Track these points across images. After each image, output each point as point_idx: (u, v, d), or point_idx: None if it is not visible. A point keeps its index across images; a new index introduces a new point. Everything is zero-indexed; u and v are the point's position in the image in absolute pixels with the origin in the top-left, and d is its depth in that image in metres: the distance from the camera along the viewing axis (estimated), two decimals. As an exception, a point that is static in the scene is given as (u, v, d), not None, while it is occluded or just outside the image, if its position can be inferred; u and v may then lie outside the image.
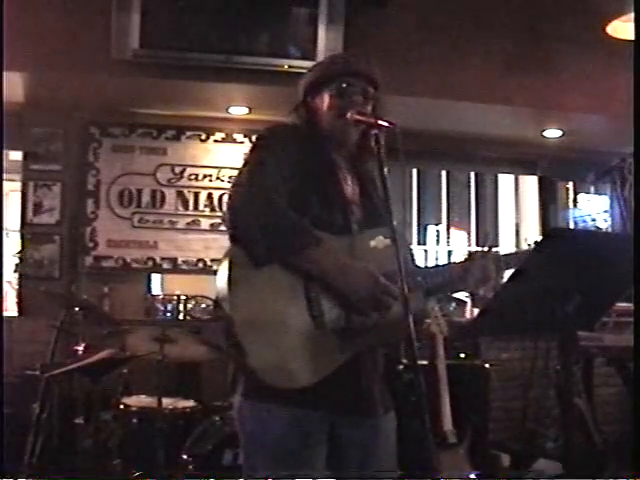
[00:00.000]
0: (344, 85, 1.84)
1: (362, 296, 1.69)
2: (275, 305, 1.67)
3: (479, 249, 1.97)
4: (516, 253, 2.04)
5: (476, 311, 5.01)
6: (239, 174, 1.77)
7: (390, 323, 1.73)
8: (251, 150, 1.83)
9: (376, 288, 1.69)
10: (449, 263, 2.03)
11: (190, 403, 3.50)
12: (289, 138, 1.84)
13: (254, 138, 1.90)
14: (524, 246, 5.30)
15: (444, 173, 6.18)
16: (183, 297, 4.55)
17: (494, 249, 1.93)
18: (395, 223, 1.67)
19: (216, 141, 4.78)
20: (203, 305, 4.48)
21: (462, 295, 5.10)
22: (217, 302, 1.71)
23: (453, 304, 4.91)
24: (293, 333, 1.66)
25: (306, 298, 1.69)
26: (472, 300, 5.00)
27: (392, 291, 1.70)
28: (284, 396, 1.66)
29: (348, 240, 1.78)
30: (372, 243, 1.79)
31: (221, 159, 4.72)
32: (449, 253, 5.98)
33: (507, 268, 1.95)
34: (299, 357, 1.66)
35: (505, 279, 1.86)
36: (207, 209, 4.71)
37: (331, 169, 1.86)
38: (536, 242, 1.90)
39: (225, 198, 1.80)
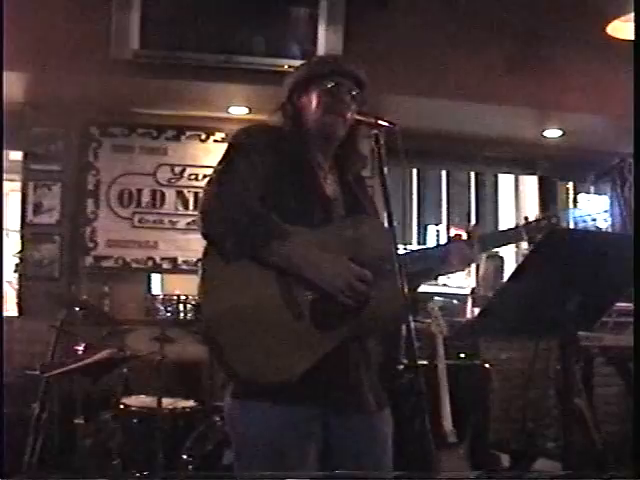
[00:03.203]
0: (332, 84, 1.85)
1: (336, 285, 1.70)
2: (250, 300, 1.68)
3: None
4: (502, 232, 2.04)
5: (477, 310, 5.01)
6: (210, 176, 1.79)
7: (373, 313, 1.74)
8: (224, 152, 1.84)
9: (350, 275, 1.70)
10: (430, 247, 2.03)
11: (190, 403, 3.50)
12: (263, 138, 1.85)
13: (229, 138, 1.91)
14: (524, 245, 5.29)
15: (444, 173, 6.19)
16: (183, 297, 4.56)
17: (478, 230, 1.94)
18: (396, 224, 1.68)
19: (216, 141, 4.78)
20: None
21: (463, 292, 5.11)
22: (198, 304, 1.73)
23: (454, 301, 4.91)
24: (270, 327, 1.67)
25: (281, 291, 1.70)
26: (472, 299, 5.00)
27: (367, 278, 1.71)
28: (273, 393, 1.66)
29: (327, 231, 1.79)
30: (353, 233, 1.79)
31: (221, 159, 4.72)
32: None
33: (495, 246, 1.97)
34: (279, 351, 1.67)
35: (506, 279, 1.86)
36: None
37: (310, 167, 1.86)
38: (537, 242, 1.90)
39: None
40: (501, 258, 5.16)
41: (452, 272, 1.95)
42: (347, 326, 1.73)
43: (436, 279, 2.01)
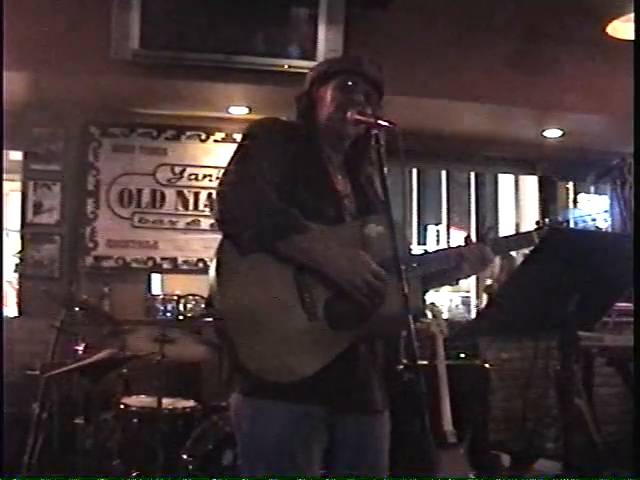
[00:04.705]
0: (349, 82, 1.85)
1: (353, 281, 1.69)
2: (265, 297, 1.66)
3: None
4: (515, 235, 2.03)
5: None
6: (227, 167, 1.77)
7: (385, 314, 1.73)
8: (239, 144, 1.83)
9: (367, 272, 1.69)
10: (445, 248, 2.00)
11: (190, 403, 3.50)
12: (278, 131, 1.85)
13: (243, 132, 1.90)
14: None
15: (444, 173, 6.19)
16: (183, 297, 4.56)
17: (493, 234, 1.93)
18: (396, 220, 1.68)
19: (216, 141, 4.78)
20: (203, 305, 4.49)
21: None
22: (209, 299, 1.71)
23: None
24: (285, 325, 1.66)
25: (297, 289, 1.68)
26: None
27: (383, 276, 1.70)
28: (283, 392, 1.65)
29: (341, 230, 1.79)
30: (366, 232, 1.78)
31: (221, 159, 4.71)
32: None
33: (507, 251, 1.96)
34: (292, 350, 1.65)
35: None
36: (207, 209, 4.72)
37: (322, 163, 1.86)
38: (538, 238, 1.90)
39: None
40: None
41: (471, 274, 1.92)
42: (360, 326, 1.73)
43: (457, 283, 1.99)
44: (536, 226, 1.96)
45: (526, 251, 1.87)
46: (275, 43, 4.00)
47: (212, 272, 1.68)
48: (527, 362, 4.69)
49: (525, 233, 1.98)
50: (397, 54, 4.05)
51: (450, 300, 5.62)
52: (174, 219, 4.73)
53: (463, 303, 5.70)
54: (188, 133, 4.78)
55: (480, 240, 1.92)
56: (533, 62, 4.25)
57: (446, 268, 1.86)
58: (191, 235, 4.72)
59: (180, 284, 4.68)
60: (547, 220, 1.97)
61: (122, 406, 3.40)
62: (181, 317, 4.43)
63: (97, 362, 3.32)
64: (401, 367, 3.70)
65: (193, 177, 4.76)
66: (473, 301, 5.65)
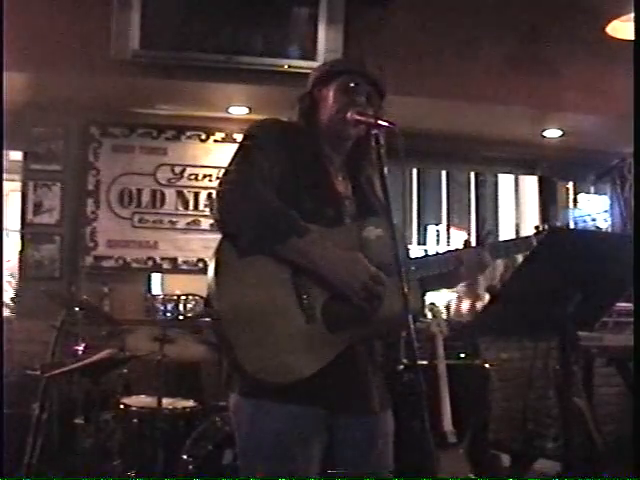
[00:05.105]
0: (351, 84, 1.85)
1: (352, 285, 1.69)
2: (264, 299, 1.66)
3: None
4: (514, 240, 2.04)
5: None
6: (227, 168, 1.77)
7: (384, 316, 1.73)
8: (240, 144, 1.83)
9: (366, 276, 1.69)
10: (444, 252, 2.01)
11: (190, 403, 3.50)
12: (278, 132, 1.85)
13: (243, 132, 1.90)
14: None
15: (444, 173, 6.19)
16: (183, 297, 4.56)
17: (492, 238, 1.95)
18: (395, 222, 1.68)
19: (216, 141, 4.77)
20: (203, 305, 4.49)
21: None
22: (207, 299, 1.71)
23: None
24: (283, 327, 1.66)
25: (295, 291, 1.68)
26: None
27: (382, 280, 1.70)
28: (282, 393, 1.65)
29: (340, 232, 1.79)
30: (364, 234, 1.79)
31: (221, 159, 4.71)
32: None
33: (506, 255, 1.96)
34: (290, 351, 1.65)
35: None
36: (207, 209, 4.72)
37: (322, 164, 1.86)
38: (537, 241, 1.91)
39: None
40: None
41: (469, 278, 1.93)
42: (358, 328, 1.73)
43: (455, 286, 2.00)
44: (535, 230, 1.97)
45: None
46: (275, 43, 4.00)
47: (211, 273, 1.68)
48: (527, 362, 4.70)
49: (524, 238, 1.99)
50: (397, 54, 4.05)
51: (450, 300, 5.61)
52: (174, 219, 4.73)
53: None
54: (188, 133, 4.78)
55: (479, 244, 1.93)
56: (533, 62, 4.25)
57: (444, 272, 1.87)
58: (191, 235, 4.72)
59: (180, 284, 4.67)
60: (546, 226, 1.99)
61: (122, 406, 3.39)
62: (181, 317, 4.42)
63: (97, 362, 3.32)
64: (401, 367, 3.71)
65: (193, 177, 4.76)
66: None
